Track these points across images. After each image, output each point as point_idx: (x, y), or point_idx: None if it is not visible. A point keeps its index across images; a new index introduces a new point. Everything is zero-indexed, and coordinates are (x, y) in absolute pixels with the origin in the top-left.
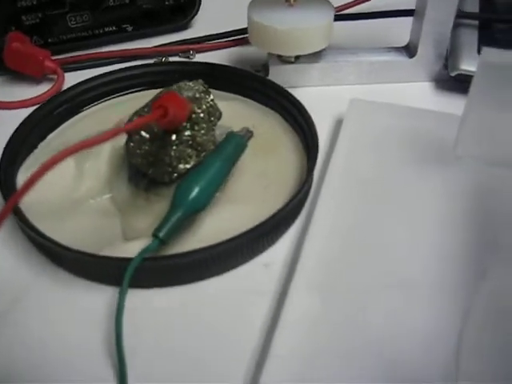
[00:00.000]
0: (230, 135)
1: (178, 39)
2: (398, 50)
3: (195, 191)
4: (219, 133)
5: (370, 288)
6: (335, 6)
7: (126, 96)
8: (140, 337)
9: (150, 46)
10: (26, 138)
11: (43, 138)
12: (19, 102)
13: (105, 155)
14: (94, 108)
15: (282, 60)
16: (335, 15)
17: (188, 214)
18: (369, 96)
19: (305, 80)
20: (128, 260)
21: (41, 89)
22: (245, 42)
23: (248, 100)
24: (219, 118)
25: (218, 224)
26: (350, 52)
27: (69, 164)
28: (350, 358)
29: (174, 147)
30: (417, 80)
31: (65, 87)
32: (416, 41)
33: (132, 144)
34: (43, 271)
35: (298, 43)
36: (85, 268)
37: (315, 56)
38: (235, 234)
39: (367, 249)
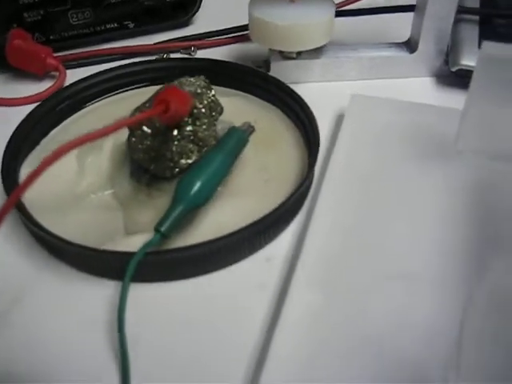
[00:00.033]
0: (232, 130)
1: (180, 36)
2: (398, 45)
3: (197, 186)
4: (221, 128)
5: (371, 283)
6: (336, 1)
7: (127, 92)
8: (142, 332)
9: (152, 42)
10: (29, 134)
11: (46, 134)
12: (22, 98)
13: (107, 151)
14: (96, 104)
15: (284, 56)
16: (336, 11)
17: (190, 209)
18: (370, 91)
19: (306, 76)
20: (130, 254)
21: (43, 86)
22: (246, 38)
23: (249, 96)
24: (221, 113)
25: (220, 218)
26: (351, 48)
27: (71, 159)
28: (350, 357)
29: (176, 142)
30: (418, 75)
31: (67, 84)
32: (417, 36)
33: (134, 139)
34: (45, 265)
35: (299, 39)
36: (87, 262)
37: (316, 52)
38: (237, 229)
39: (368, 244)
